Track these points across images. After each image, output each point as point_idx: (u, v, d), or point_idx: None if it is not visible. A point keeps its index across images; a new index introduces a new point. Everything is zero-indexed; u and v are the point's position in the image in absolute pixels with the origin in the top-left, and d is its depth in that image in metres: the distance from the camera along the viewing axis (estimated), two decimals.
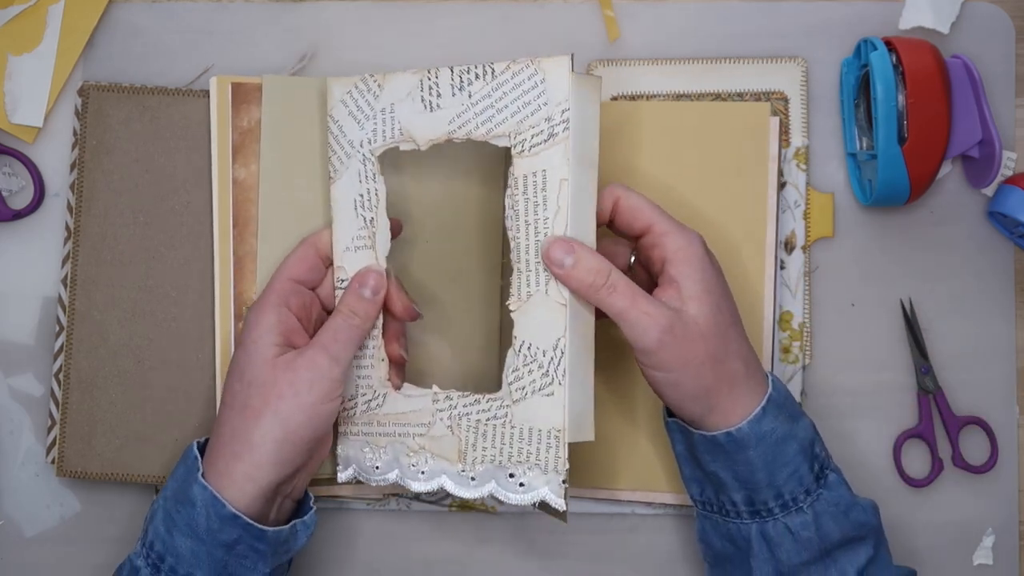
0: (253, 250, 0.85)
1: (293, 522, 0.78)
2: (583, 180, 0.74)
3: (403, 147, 0.79)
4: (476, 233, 0.87)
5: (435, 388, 0.79)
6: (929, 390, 0.89)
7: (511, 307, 0.76)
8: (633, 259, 0.80)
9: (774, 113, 0.88)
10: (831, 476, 0.78)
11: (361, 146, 0.80)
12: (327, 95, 0.82)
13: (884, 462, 0.89)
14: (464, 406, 0.77)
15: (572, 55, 0.74)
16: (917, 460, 0.89)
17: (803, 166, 0.89)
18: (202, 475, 0.76)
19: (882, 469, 0.89)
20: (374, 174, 0.80)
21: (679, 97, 0.89)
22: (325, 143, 0.83)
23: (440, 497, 0.88)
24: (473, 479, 0.77)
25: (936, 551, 0.88)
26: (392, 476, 0.80)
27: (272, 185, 0.84)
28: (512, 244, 0.76)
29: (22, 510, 0.88)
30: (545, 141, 0.74)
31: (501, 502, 0.76)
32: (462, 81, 0.77)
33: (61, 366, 0.86)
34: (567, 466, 0.73)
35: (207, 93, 0.86)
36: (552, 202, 0.74)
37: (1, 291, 0.89)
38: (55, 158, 0.89)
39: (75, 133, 0.87)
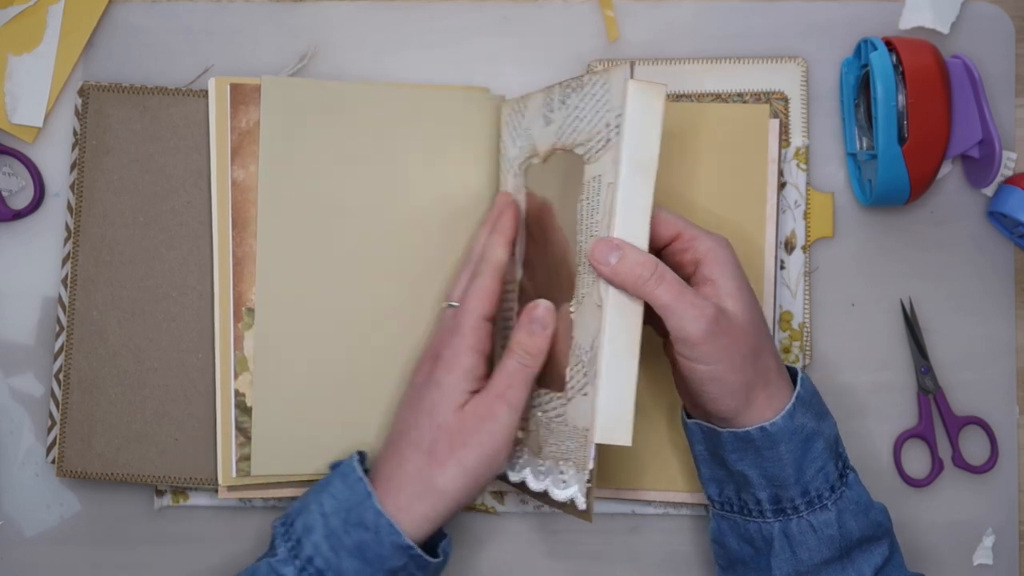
0: (252, 251, 0.85)
1: (443, 548, 0.79)
2: (633, 184, 0.74)
3: (533, 161, 0.82)
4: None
5: (548, 391, 0.80)
6: (929, 390, 0.89)
7: (571, 310, 0.77)
8: None
9: (774, 114, 0.88)
10: (851, 475, 0.79)
11: (513, 162, 0.85)
12: (500, 118, 0.87)
13: (884, 462, 0.89)
14: (544, 403, 0.79)
15: (632, 63, 0.75)
16: (917, 460, 0.89)
17: (803, 166, 0.89)
18: (378, 502, 0.76)
19: (882, 469, 0.89)
20: (520, 187, 0.84)
21: (679, 97, 0.89)
22: (324, 144, 0.85)
23: None
24: (542, 473, 0.78)
25: (936, 551, 0.88)
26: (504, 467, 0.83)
27: (271, 186, 0.84)
28: (577, 248, 0.77)
29: (22, 510, 0.88)
30: (603, 147, 0.76)
31: (551, 499, 0.77)
32: (564, 94, 0.80)
33: (61, 366, 0.86)
34: (591, 466, 0.74)
35: (207, 93, 0.86)
36: (602, 205, 0.75)
37: (1, 291, 0.89)
38: (55, 158, 0.89)
39: (75, 133, 0.87)
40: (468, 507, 0.88)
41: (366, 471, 0.79)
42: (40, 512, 0.88)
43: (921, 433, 0.89)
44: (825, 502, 0.77)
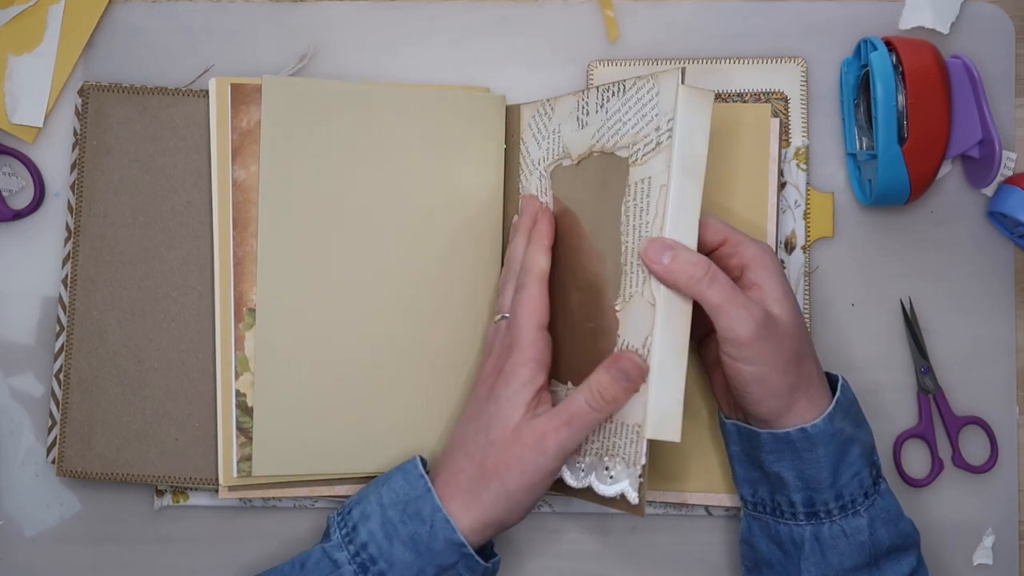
0: (253, 251, 0.85)
1: (495, 560, 0.80)
2: (684, 187, 0.75)
3: (564, 163, 0.83)
4: (476, 240, 0.87)
5: (569, 384, 0.81)
6: (929, 390, 0.89)
7: (616, 308, 0.78)
8: None
9: (774, 114, 0.88)
10: (883, 484, 0.80)
11: (539, 163, 0.85)
12: (519, 119, 0.87)
13: (884, 462, 0.89)
14: None
15: (683, 68, 0.76)
16: (917, 460, 0.89)
17: (803, 166, 0.89)
18: (437, 497, 0.77)
19: (882, 469, 0.89)
20: (546, 188, 0.84)
21: None
22: (325, 144, 0.85)
23: None
24: (582, 470, 0.79)
25: (936, 551, 0.88)
26: None
27: (272, 186, 0.84)
28: (622, 248, 0.78)
29: (22, 510, 0.88)
30: (653, 149, 0.77)
31: (595, 495, 0.78)
32: (602, 98, 0.81)
33: (61, 366, 0.86)
34: (644, 461, 0.75)
35: (207, 93, 0.86)
36: (653, 207, 0.76)
37: (1, 291, 0.89)
38: (55, 158, 0.89)
39: (75, 133, 0.87)
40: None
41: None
42: (40, 512, 0.88)
43: (921, 433, 0.89)
44: (858, 508, 0.78)
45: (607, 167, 0.80)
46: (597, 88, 0.81)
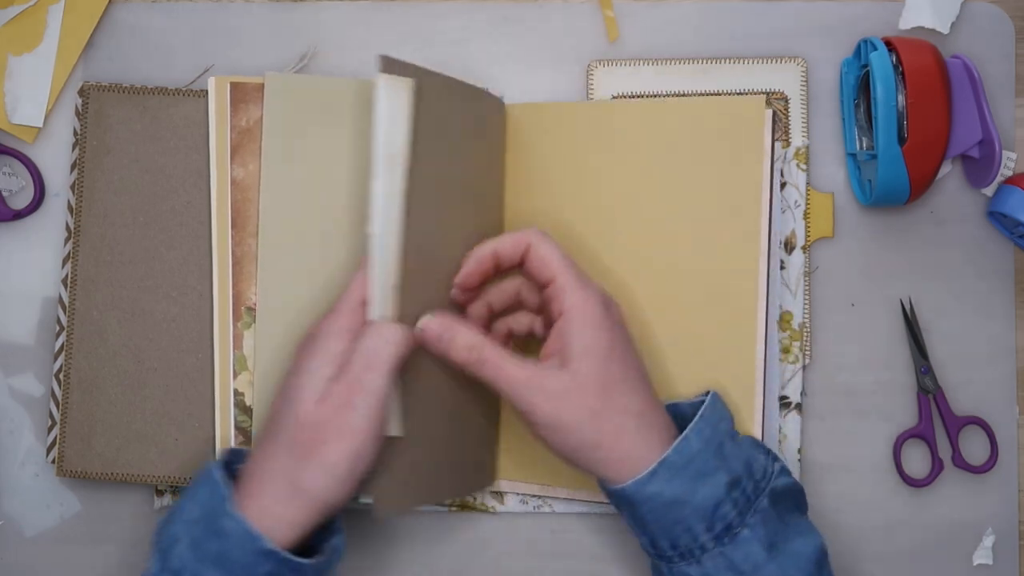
0: (251, 251, 0.85)
1: (326, 548, 0.75)
2: (383, 177, 0.74)
3: None
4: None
5: None
6: (929, 390, 0.89)
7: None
8: None
9: (768, 104, 0.87)
10: (743, 533, 0.75)
11: None
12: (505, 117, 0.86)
13: (884, 462, 0.89)
14: None
15: (382, 56, 0.74)
16: (917, 460, 0.89)
17: (803, 166, 0.89)
18: (235, 506, 0.72)
19: (882, 469, 0.89)
20: None
21: (679, 97, 0.89)
22: (326, 140, 0.84)
23: None
24: None
25: (936, 551, 0.88)
26: None
27: (273, 183, 0.84)
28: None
29: (22, 510, 0.88)
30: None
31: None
32: None
33: (61, 366, 0.86)
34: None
35: (207, 93, 0.86)
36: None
37: (1, 291, 0.89)
38: (55, 158, 0.89)
39: (75, 133, 0.87)
40: (468, 506, 0.88)
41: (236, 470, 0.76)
42: (40, 512, 0.88)
43: (921, 433, 0.89)
44: (695, 557, 0.75)
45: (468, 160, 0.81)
46: None
